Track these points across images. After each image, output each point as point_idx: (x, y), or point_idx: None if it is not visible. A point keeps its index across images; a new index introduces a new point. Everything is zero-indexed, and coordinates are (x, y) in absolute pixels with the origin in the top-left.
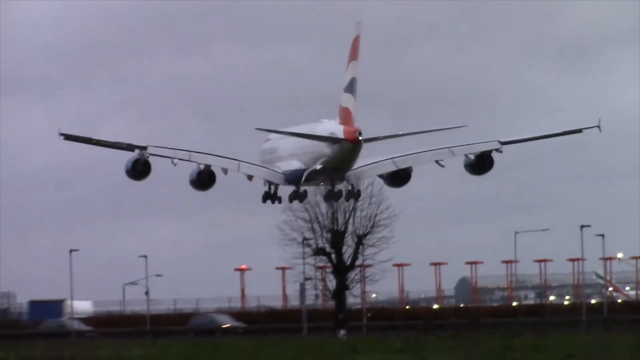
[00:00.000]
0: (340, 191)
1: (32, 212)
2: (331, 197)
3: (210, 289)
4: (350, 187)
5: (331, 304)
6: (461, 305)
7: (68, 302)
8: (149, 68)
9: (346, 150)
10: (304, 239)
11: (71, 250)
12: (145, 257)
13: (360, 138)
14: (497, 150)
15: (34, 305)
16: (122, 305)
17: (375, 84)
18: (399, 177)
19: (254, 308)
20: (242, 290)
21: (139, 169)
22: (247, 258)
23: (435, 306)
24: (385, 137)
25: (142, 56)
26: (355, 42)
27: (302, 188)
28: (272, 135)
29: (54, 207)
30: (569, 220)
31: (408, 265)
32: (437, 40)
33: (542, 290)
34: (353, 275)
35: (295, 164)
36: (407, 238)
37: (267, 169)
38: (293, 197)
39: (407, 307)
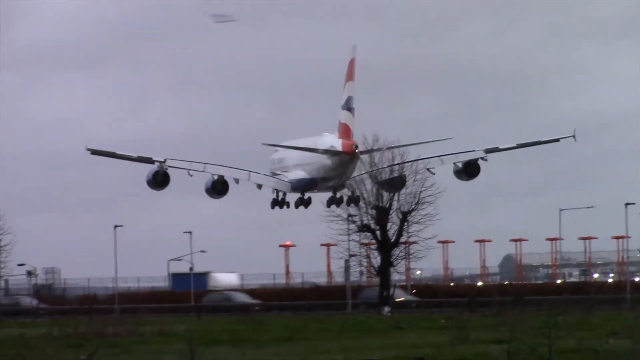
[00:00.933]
0: (341, 197)
1: (77, 189)
2: (333, 203)
3: (254, 265)
4: (350, 194)
5: (376, 280)
6: (505, 282)
7: (213, 274)
8: (198, 47)
9: (345, 161)
10: (349, 215)
11: (115, 226)
12: (190, 233)
13: (356, 151)
14: (482, 158)
15: (177, 277)
16: (166, 281)
17: (422, 63)
18: (395, 184)
19: (298, 284)
20: (287, 266)
21: (159, 180)
22: (291, 234)
23: (480, 283)
24: (379, 149)
25: (192, 36)
26: (351, 64)
27: (307, 195)
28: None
29: (99, 183)
30: (614, 198)
31: (452, 242)
32: (484, 19)
33: (587, 267)
34: (397, 252)
35: (300, 174)
36: (451, 215)
37: (275, 178)
38: (299, 203)
39: (452, 284)
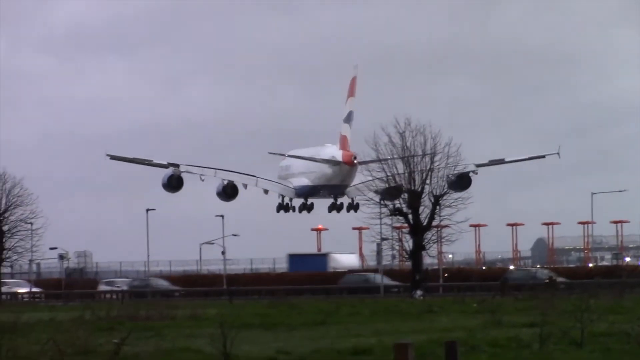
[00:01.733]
0: (341, 204)
1: (109, 172)
2: (334, 209)
3: (286, 249)
4: (350, 201)
5: (408, 264)
6: (537, 266)
7: (333, 255)
8: (232, 31)
9: (345, 171)
10: (381, 199)
11: (148, 210)
12: (222, 216)
13: (355, 161)
14: (473, 172)
15: (294, 258)
16: (198, 265)
17: (459, 44)
18: (391, 193)
19: (329, 268)
20: (319, 250)
21: (173, 184)
22: (323, 218)
23: (512, 267)
24: (375, 160)
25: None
26: (353, 81)
27: (310, 200)
28: (288, 154)
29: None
30: None
31: (485, 225)
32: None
33: (618, 251)
34: (430, 235)
35: (304, 181)
36: (484, 199)
37: (281, 184)
38: (302, 208)
39: (484, 267)
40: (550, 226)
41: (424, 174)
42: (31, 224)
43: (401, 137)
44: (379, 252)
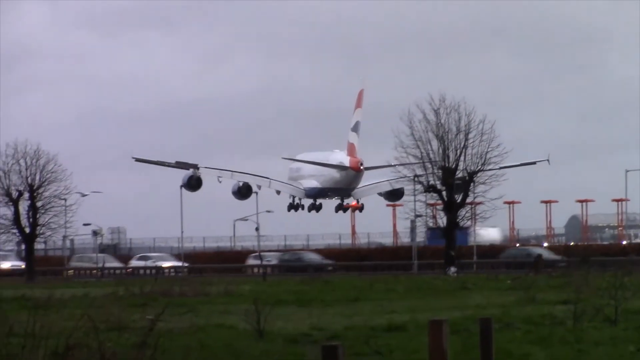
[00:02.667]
0: (348, 204)
1: (144, 148)
2: (340, 209)
3: (320, 226)
4: (356, 202)
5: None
6: (571, 243)
7: (476, 229)
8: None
9: (351, 175)
10: (415, 175)
11: (182, 186)
12: (256, 193)
13: (362, 167)
14: (464, 178)
15: (434, 231)
16: (232, 242)
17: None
18: (394, 195)
19: (364, 245)
20: (353, 227)
21: (193, 184)
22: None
23: (545, 244)
24: (380, 166)
25: None
26: (360, 94)
27: (319, 201)
28: (299, 157)
29: (167, 142)
30: None
31: (519, 203)
32: None
33: None
34: (464, 212)
35: (313, 183)
36: (518, 176)
37: (292, 185)
38: (311, 207)
39: (517, 244)
40: (584, 203)
41: (458, 151)
42: (65, 200)
43: (435, 114)
44: (412, 229)
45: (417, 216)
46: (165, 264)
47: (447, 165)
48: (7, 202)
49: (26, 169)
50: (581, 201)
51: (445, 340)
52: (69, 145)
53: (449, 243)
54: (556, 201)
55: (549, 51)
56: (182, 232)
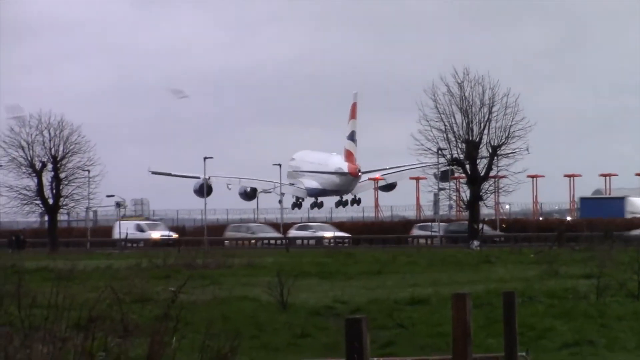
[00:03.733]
0: (347, 200)
1: (169, 119)
2: (340, 204)
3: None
4: (353, 197)
5: (465, 214)
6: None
7: (630, 198)
8: None
9: (350, 180)
10: (439, 149)
11: (205, 158)
12: (279, 165)
13: (360, 173)
14: (452, 170)
15: (587, 201)
16: (255, 214)
17: None
18: (388, 187)
19: (387, 218)
20: (376, 200)
21: (204, 191)
22: (382, 167)
23: (569, 218)
24: (377, 170)
25: None
26: (353, 106)
27: (320, 199)
28: (296, 155)
29: (199, 114)
30: None
31: (542, 177)
32: None
33: None
34: (487, 186)
35: (314, 184)
36: (541, 149)
37: (295, 187)
38: (313, 205)
39: (541, 218)
40: (607, 177)
41: (482, 125)
42: (88, 171)
43: (459, 88)
44: (436, 202)
45: (440, 189)
46: (327, 234)
47: (470, 138)
48: (31, 173)
49: (50, 140)
50: (604, 175)
51: (468, 313)
52: (96, 116)
53: (472, 217)
54: (579, 175)
55: (575, 23)
56: (205, 204)
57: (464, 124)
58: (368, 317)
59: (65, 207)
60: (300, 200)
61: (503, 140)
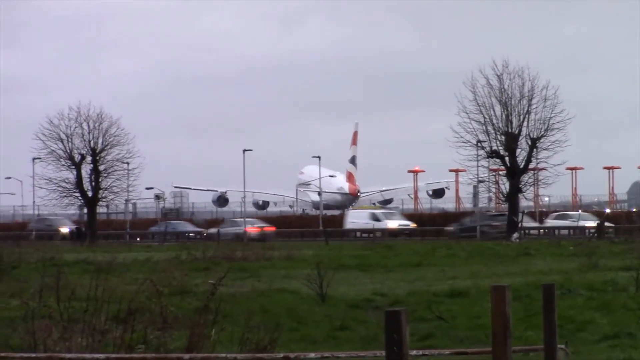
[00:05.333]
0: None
1: (209, 111)
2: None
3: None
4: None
5: (504, 207)
6: (634, 209)
7: None
8: None
9: (350, 199)
10: (478, 141)
11: (244, 150)
12: (319, 157)
13: (359, 194)
14: (446, 188)
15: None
16: (295, 205)
17: None
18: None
19: (426, 209)
20: (415, 191)
21: (221, 202)
22: (420, 159)
23: (608, 210)
24: (375, 192)
25: None
26: (355, 134)
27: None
28: (305, 170)
29: (232, 106)
30: None
31: (581, 169)
32: None
33: None
34: (526, 178)
35: (319, 198)
36: (581, 141)
37: (302, 200)
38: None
39: (580, 211)
40: None
41: (521, 117)
42: (127, 163)
43: (499, 80)
44: (475, 194)
45: (479, 181)
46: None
47: (510, 130)
48: (70, 165)
49: (89, 133)
50: None
51: (507, 306)
52: (136, 107)
53: (511, 209)
54: (619, 167)
55: (617, 14)
56: (244, 196)
57: (503, 116)
58: (407, 310)
59: (104, 200)
60: (307, 211)
61: (542, 133)
